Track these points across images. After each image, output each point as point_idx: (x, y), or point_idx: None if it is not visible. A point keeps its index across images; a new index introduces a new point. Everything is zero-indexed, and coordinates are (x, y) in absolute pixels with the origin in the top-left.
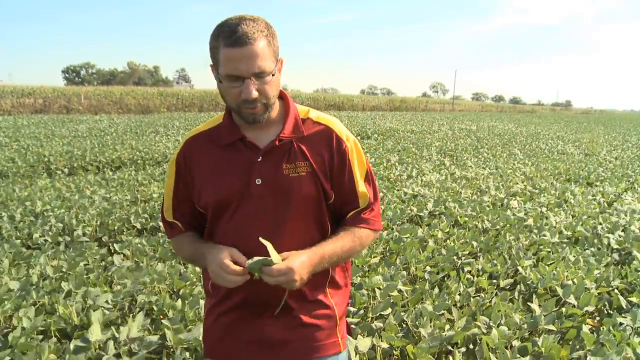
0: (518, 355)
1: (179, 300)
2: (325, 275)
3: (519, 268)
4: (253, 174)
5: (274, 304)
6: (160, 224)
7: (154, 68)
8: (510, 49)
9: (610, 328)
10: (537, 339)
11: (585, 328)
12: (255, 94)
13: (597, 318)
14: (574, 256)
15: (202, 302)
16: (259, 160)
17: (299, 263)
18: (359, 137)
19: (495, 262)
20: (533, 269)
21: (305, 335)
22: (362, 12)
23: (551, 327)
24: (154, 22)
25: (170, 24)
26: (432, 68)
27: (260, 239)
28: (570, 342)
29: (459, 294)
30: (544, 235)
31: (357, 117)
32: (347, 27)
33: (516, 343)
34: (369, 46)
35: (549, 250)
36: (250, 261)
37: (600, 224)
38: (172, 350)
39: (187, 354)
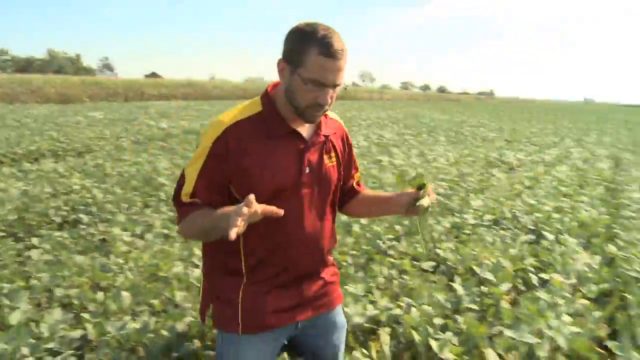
0: (439, 332)
1: (100, 292)
2: (333, 242)
3: (440, 250)
4: (303, 163)
5: (309, 269)
6: (83, 216)
7: (76, 56)
8: (438, 39)
9: (527, 303)
10: (458, 316)
11: (504, 304)
12: (329, 101)
13: (513, 295)
14: (492, 237)
15: (124, 294)
16: (307, 152)
17: None
18: None
19: (417, 245)
20: (454, 250)
21: (329, 291)
22: (296, 2)
23: (473, 305)
24: (75, 8)
25: (93, 10)
26: (362, 58)
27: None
28: (490, 319)
29: (383, 277)
30: (465, 218)
31: None
32: (279, 17)
33: (438, 321)
34: None
35: (470, 232)
36: None
37: (520, 207)
38: (95, 345)
39: (109, 348)
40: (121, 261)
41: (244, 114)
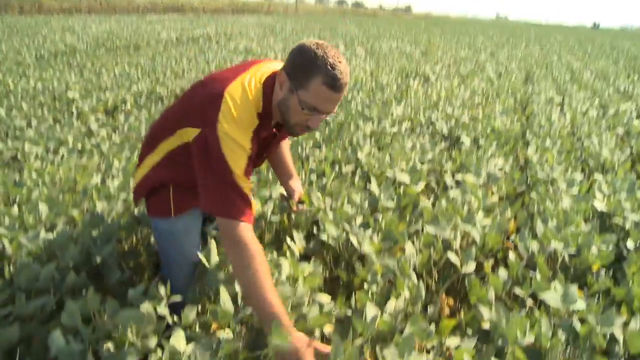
0: (360, 229)
1: (15, 206)
2: None
3: (359, 155)
4: (268, 151)
5: None
6: None
7: None
8: None
9: (443, 201)
10: (378, 214)
11: (422, 203)
12: (319, 126)
13: (429, 195)
14: (411, 143)
15: (41, 206)
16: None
17: None
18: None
19: (337, 150)
20: (372, 156)
21: None
22: None
23: (390, 204)
24: None
25: None
26: None
27: None
28: (408, 217)
29: (302, 180)
30: (384, 126)
31: (201, 20)
32: None
33: (358, 220)
34: None
35: (389, 138)
36: None
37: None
38: (13, 260)
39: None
40: (35, 177)
41: (253, 124)
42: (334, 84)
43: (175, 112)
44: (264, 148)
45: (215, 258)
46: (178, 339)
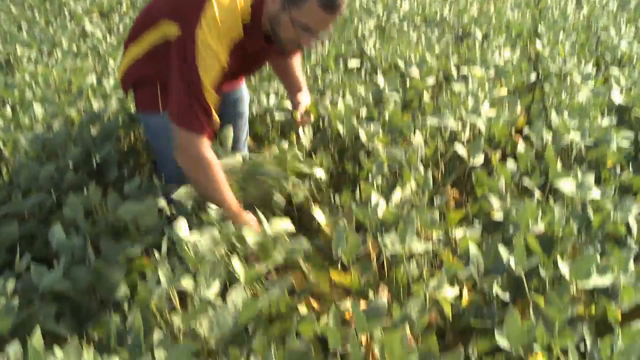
0: (365, 121)
1: (8, 107)
2: None
3: (364, 48)
4: (258, 63)
5: None
6: None
7: None
8: None
9: (447, 94)
10: (383, 106)
11: (426, 97)
12: (312, 46)
13: (436, 89)
14: (417, 36)
15: (36, 106)
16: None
17: None
18: None
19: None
20: (379, 49)
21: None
22: None
23: (395, 96)
24: None
25: None
26: None
27: None
28: (414, 110)
29: (307, 75)
30: (392, 20)
31: None
32: None
33: (363, 112)
34: None
35: (396, 31)
36: None
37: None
38: (10, 162)
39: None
40: (29, 79)
41: (239, 20)
42: (332, 5)
43: (162, 2)
44: (252, 61)
45: None
46: (181, 228)
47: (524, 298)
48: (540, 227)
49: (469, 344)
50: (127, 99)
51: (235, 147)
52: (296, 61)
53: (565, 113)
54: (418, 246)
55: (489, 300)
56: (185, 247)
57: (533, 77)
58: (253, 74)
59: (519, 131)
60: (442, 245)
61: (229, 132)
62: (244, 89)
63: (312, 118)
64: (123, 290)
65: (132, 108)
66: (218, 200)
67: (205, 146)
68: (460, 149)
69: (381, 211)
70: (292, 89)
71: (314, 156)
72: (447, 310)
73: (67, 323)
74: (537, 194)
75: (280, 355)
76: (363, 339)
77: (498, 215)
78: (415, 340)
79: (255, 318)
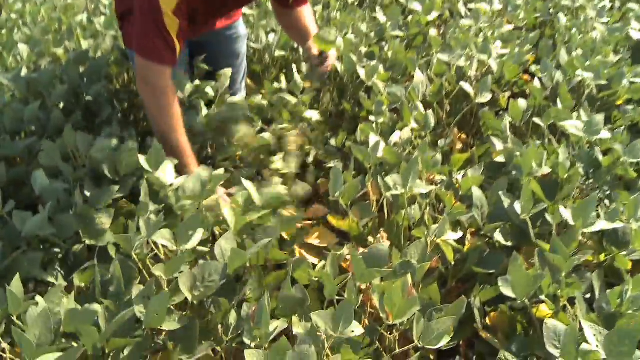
0: (365, 60)
1: None
2: None
3: None
4: None
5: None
6: None
7: None
8: None
9: (456, 30)
10: (385, 43)
11: (432, 32)
12: None
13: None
14: None
15: (22, 46)
16: None
17: None
18: None
19: None
20: None
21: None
22: None
23: (397, 33)
24: None
25: None
26: None
27: None
28: (418, 48)
29: None
30: None
31: None
32: None
33: (363, 49)
34: None
35: None
36: None
37: None
38: None
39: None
40: (15, 16)
41: None
42: None
43: None
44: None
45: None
46: (164, 172)
47: (529, 245)
48: (545, 170)
49: (471, 292)
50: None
51: (231, 88)
52: (306, 12)
53: (578, 51)
54: (421, 188)
55: (493, 246)
56: (169, 194)
57: (544, 12)
58: (232, 9)
59: (526, 70)
60: (445, 189)
61: (226, 72)
62: (240, 26)
63: (330, 56)
64: (109, 237)
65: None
66: (168, 135)
67: (162, 75)
68: (467, 87)
69: (381, 151)
70: (304, 39)
71: (304, 97)
72: (450, 256)
73: (55, 271)
74: (547, 134)
75: (274, 303)
76: (361, 287)
77: (500, 158)
78: (416, 288)
79: (245, 267)
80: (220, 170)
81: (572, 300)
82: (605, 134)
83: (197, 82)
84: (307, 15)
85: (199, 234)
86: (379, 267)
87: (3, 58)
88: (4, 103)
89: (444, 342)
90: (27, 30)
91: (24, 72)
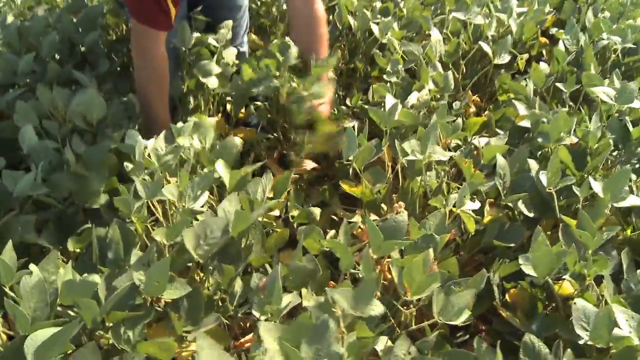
0: (379, 16)
1: None
2: None
3: None
4: None
5: None
6: None
7: None
8: None
9: None
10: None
11: None
12: None
13: None
14: None
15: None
16: None
17: None
18: None
19: None
20: None
21: None
22: None
23: None
24: None
25: None
26: None
27: None
28: (432, 5)
29: None
30: None
31: None
32: None
33: (377, 5)
34: None
35: None
36: None
37: None
38: None
39: None
40: None
41: None
42: None
43: None
44: None
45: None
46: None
47: (552, 217)
48: (573, 139)
49: (487, 264)
50: None
51: (233, 42)
52: (317, 16)
53: (605, 13)
54: (440, 155)
55: (513, 218)
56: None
57: None
58: None
59: (544, 33)
60: (462, 155)
61: (227, 24)
62: None
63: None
64: (103, 199)
65: None
66: (149, 100)
67: (155, 40)
68: (486, 47)
69: (397, 114)
70: (306, 52)
71: None
72: (471, 227)
73: (50, 235)
74: (569, 102)
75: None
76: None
77: (524, 123)
78: (436, 262)
79: (248, 230)
80: None
81: (597, 279)
82: (638, 103)
83: (196, 34)
84: (314, 9)
85: (206, 194)
86: (397, 239)
87: None
88: None
89: (463, 318)
90: None
91: (9, 19)
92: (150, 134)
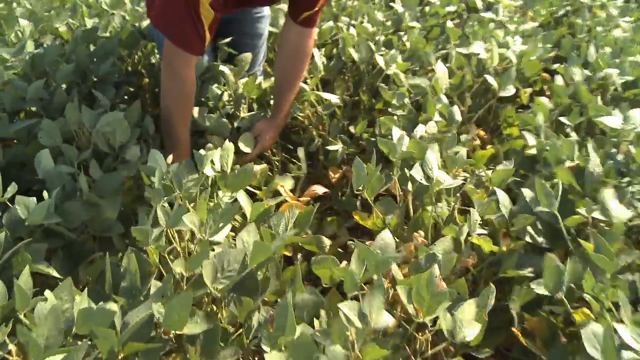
0: (383, 48)
1: None
2: None
3: None
4: None
5: None
6: None
7: None
8: None
9: (475, 23)
10: (402, 33)
11: (450, 24)
12: None
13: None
14: None
15: (23, 21)
16: None
17: None
18: None
19: None
20: None
21: None
22: None
23: (415, 24)
24: None
25: None
26: None
27: None
28: (435, 40)
29: None
30: None
31: None
32: None
33: (381, 38)
34: None
35: None
36: None
37: None
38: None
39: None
40: None
41: None
42: None
43: None
44: None
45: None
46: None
47: (564, 245)
48: (574, 163)
49: (502, 295)
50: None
51: (251, 69)
52: (307, 53)
53: (606, 49)
54: (449, 179)
55: (528, 248)
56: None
57: (559, 8)
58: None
59: (545, 69)
60: (474, 186)
61: (247, 55)
62: (265, 7)
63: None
64: (118, 229)
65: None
66: (171, 122)
67: (187, 63)
68: (491, 79)
69: (405, 145)
70: (274, 99)
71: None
72: (487, 248)
73: (59, 263)
74: (573, 135)
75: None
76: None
77: (533, 151)
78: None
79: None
80: None
81: (616, 304)
82: None
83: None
84: (305, 44)
85: (229, 226)
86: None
87: (3, 33)
88: (3, 81)
89: (475, 332)
90: (27, 3)
91: (29, 47)
92: (168, 154)
